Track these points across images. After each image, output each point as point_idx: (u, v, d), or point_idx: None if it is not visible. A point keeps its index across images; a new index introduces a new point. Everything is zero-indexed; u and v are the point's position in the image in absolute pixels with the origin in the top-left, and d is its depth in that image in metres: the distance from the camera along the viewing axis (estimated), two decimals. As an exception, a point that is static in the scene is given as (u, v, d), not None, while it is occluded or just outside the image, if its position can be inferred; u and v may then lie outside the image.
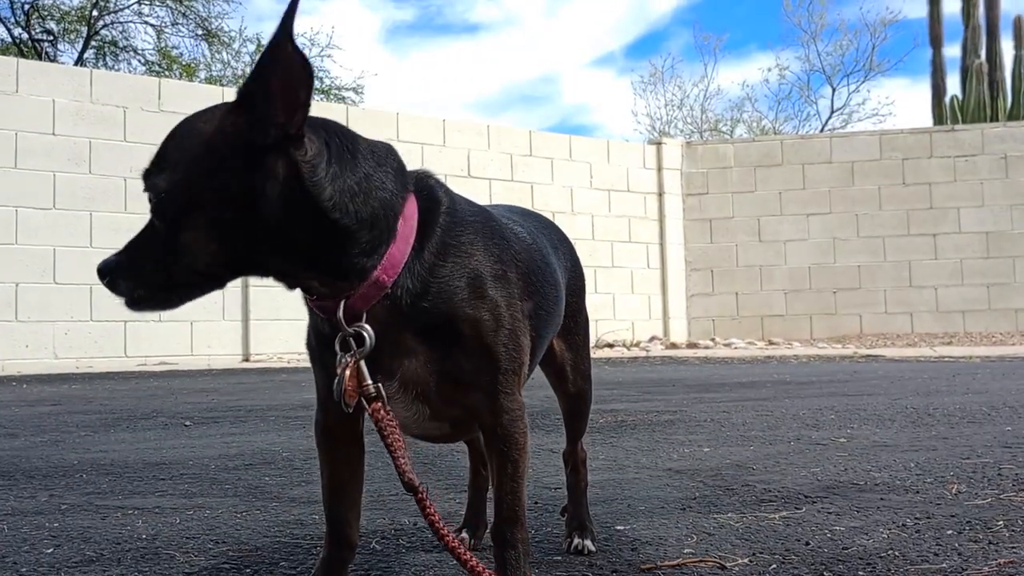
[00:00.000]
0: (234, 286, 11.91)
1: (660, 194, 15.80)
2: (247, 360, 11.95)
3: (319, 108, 13.10)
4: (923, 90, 45.78)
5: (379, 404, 1.36)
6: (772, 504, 2.39)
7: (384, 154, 1.42)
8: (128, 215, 11.31)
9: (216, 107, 1.34)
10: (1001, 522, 2.07)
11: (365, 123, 13.22)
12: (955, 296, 14.99)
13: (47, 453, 3.80)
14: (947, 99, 18.52)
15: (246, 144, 1.28)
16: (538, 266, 1.64)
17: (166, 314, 11.34)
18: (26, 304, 10.70)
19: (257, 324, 12.03)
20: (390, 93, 44.08)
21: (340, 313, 1.36)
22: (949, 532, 1.99)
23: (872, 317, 15.21)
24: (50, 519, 2.41)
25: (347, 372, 1.35)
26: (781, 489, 2.60)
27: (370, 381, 1.36)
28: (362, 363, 1.36)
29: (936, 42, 19.04)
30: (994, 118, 17.43)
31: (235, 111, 1.30)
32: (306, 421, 5.01)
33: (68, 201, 11.07)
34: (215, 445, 4.06)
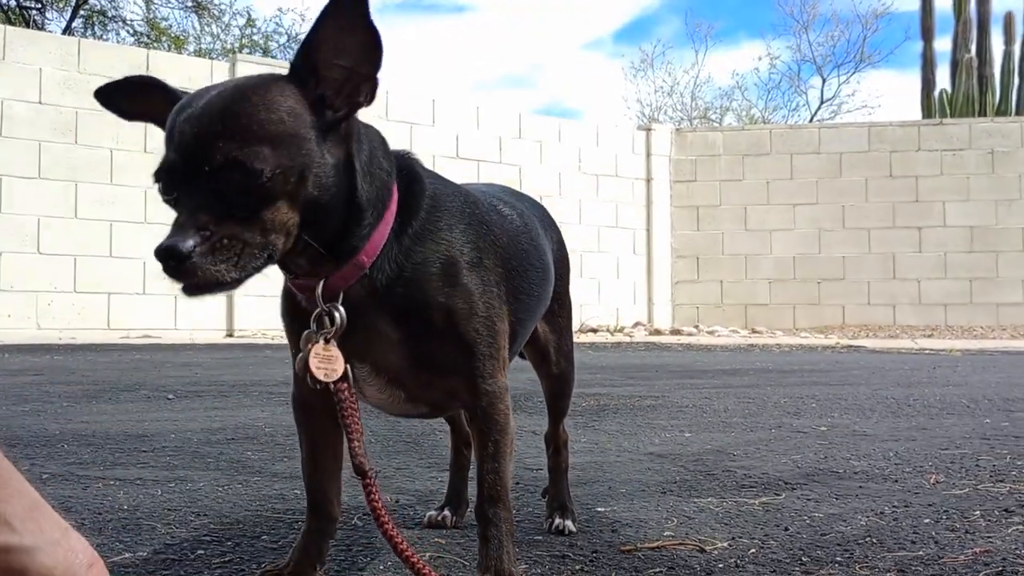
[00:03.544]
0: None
1: (648, 180, 15.80)
2: (231, 335, 11.93)
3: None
4: (912, 83, 45.88)
5: (345, 384, 1.36)
6: (752, 490, 2.41)
7: (374, 133, 1.42)
8: (114, 187, 11.25)
9: (275, 78, 1.30)
10: (978, 512, 2.09)
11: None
12: (937, 289, 15.08)
13: (28, 423, 3.79)
14: (936, 92, 18.55)
15: (316, 119, 1.28)
16: (523, 249, 1.64)
17: (150, 287, 11.36)
18: (9, 273, 10.63)
19: (241, 300, 11.99)
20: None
21: (319, 291, 1.35)
22: (926, 520, 2.01)
23: (855, 308, 15.29)
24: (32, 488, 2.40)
25: (312, 349, 1.35)
26: (761, 475, 2.62)
27: (341, 361, 1.36)
28: (332, 342, 1.36)
29: (927, 35, 19.06)
30: (982, 113, 17.49)
31: (300, 84, 1.29)
32: (289, 397, 5.00)
33: (54, 171, 10.99)
34: (198, 419, 4.06)
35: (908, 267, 15.14)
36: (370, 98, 1.31)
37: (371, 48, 1.28)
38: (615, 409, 4.40)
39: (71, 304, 11.05)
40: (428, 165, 1.53)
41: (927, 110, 18.41)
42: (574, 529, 1.94)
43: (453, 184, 1.54)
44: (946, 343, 11.91)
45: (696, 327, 14.69)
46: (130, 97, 1.43)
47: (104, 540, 1.83)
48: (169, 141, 1.27)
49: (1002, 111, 17.70)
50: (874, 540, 1.84)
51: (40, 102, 10.98)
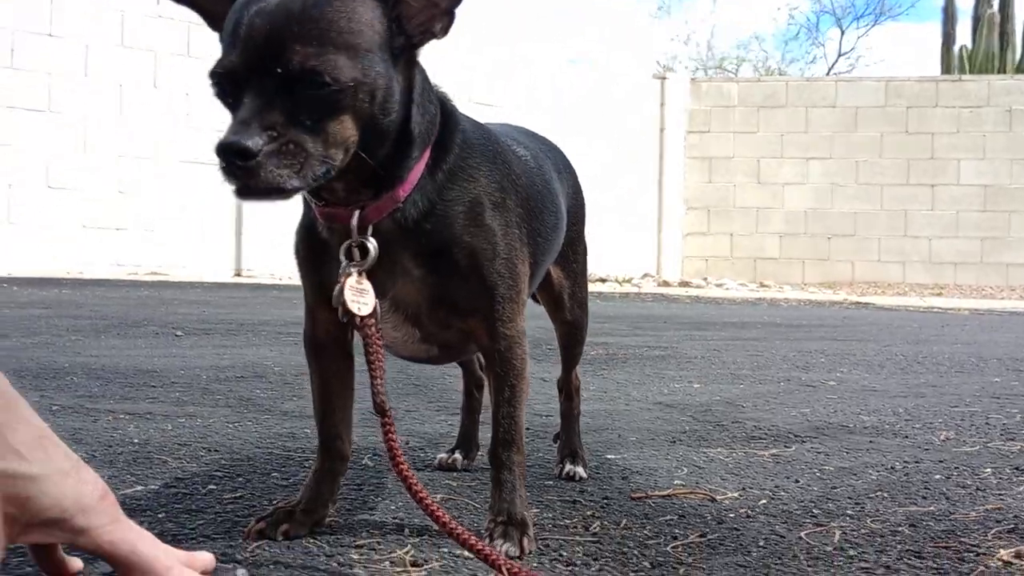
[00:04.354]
0: (227, 199, 11.85)
1: (661, 129, 15.67)
2: (238, 275, 11.93)
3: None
4: (932, 37, 45.23)
5: (372, 320, 1.34)
6: (762, 442, 2.40)
7: (422, 67, 1.39)
8: (123, 121, 11.18)
9: None
10: (988, 469, 2.08)
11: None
12: (948, 248, 15.00)
13: (38, 355, 3.80)
14: (956, 48, 18.29)
15: (391, 41, 1.27)
16: (539, 191, 1.61)
17: (159, 226, 11.35)
18: (19, 207, 10.61)
19: (249, 239, 11.98)
20: None
21: (354, 222, 1.33)
22: (937, 477, 2.01)
23: (864, 265, 15.23)
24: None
25: (347, 281, 1.33)
26: (771, 428, 2.61)
27: (372, 295, 1.34)
28: (364, 275, 1.33)
29: (949, -11, 18.76)
30: (1001, 70, 17.25)
31: (380, 2, 1.26)
32: (298, 337, 5.00)
33: (64, 107, 10.90)
34: (206, 356, 4.06)
35: (920, 225, 15.05)
36: (444, 32, 1.30)
37: None
38: (624, 359, 4.39)
39: (80, 239, 11.04)
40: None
41: (946, 65, 18.16)
42: (585, 475, 1.93)
43: (479, 123, 1.51)
44: (955, 302, 11.87)
45: (705, 279, 14.66)
46: None
47: (115, 472, 1.83)
48: (234, 36, 1.21)
49: (1022, 68, 17.45)
50: (885, 495, 1.84)
51: (51, 35, 10.87)
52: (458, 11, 1.30)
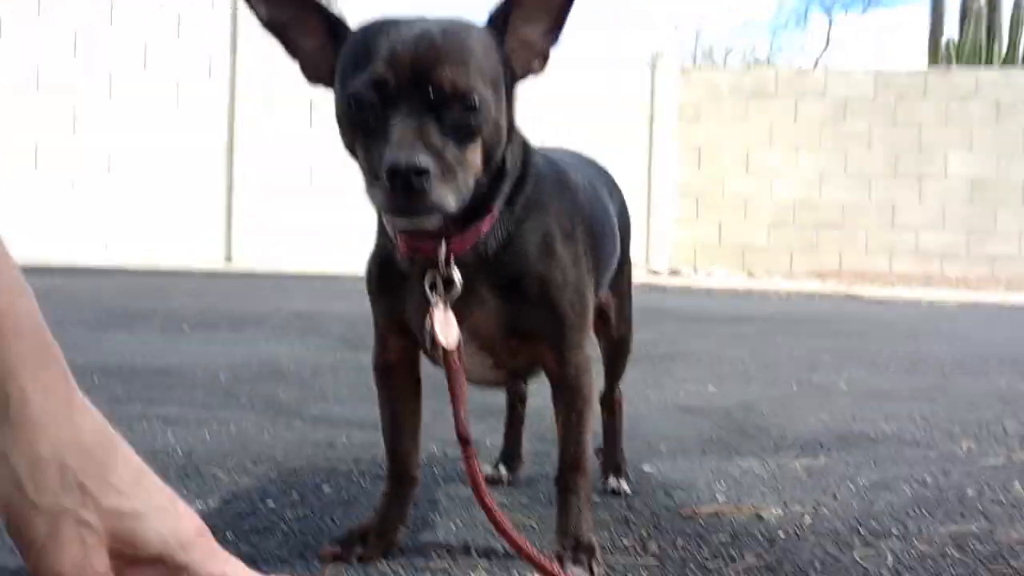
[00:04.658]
0: (217, 187, 11.83)
1: (651, 118, 15.67)
2: (229, 263, 11.90)
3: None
4: (920, 28, 45.39)
5: (456, 352, 1.37)
6: (791, 451, 2.45)
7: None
8: (112, 105, 11.10)
9: (482, 26, 1.32)
10: (1017, 483, 2.13)
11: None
12: (935, 240, 15.11)
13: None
14: (943, 40, 18.38)
15: (503, 75, 1.32)
16: (599, 219, 1.64)
17: (149, 213, 11.29)
18: (9, 191, 10.54)
19: (240, 228, 11.94)
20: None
21: (442, 255, 1.35)
22: (970, 492, 2.05)
23: (852, 255, 15.33)
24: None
25: (435, 313, 1.35)
26: (795, 435, 2.65)
27: (456, 326, 1.36)
28: (448, 308, 1.36)
29: (938, -19, 18.83)
30: (988, 62, 17.35)
31: (496, 39, 1.32)
32: (302, 330, 5.03)
33: (52, 91, 10.84)
34: (218, 353, 4.08)
35: (907, 216, 15.15)
36: (541, 70, 1.35)
37: (557, 27, 1.34)
38: (631, 357, 4.42)
39: (68, 226, 10.99)
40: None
41: (934, 57, 18.25)
42: (629, 491, 1.97)
43: (544, 153, 1.53)
44: (942, 294, 11.97)
45: (694, 268, 14.73)
46: (282, 3, 1.33)
47: (171, 487, 1.85)
48: (390, 61, 1.22)
49: (1009, 61, 17.56)
50: (924, 511, 1.88)
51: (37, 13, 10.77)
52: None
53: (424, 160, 1.17)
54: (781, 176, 15.47)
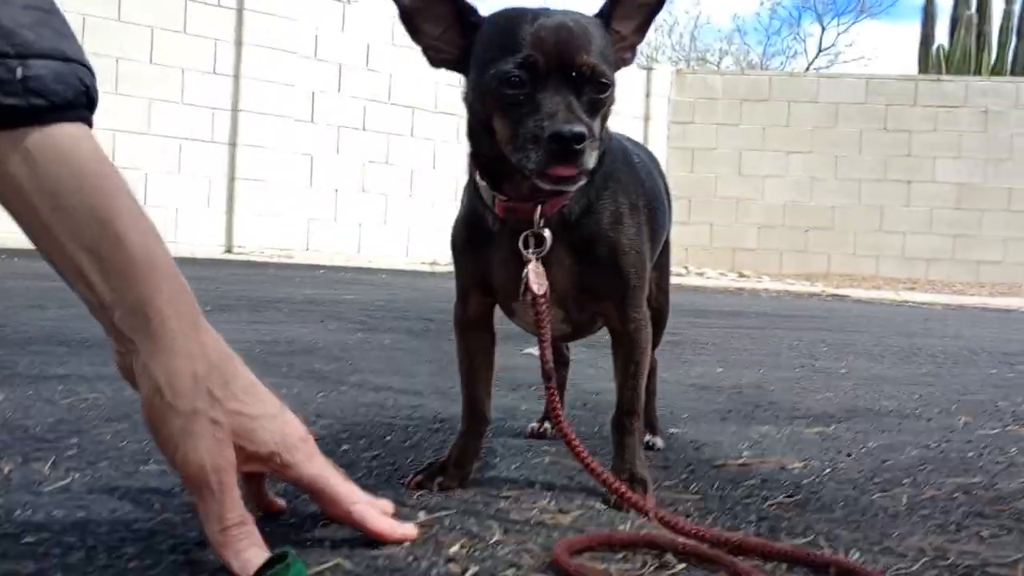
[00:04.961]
0: (220, 176, 11.97)
1: (646, 119, 15.93)
2: (230, 251, 12.04)
3: (313, 3, 12.95)
4: (910, 36, 45.78)
5: (544, 299, 1.56)
6: (803, 420, 2.64)
7: None
8: (118, 96, 11.22)
9: (595, 19, 1.53)
10: (1014, 449, 2.33)
11: (360, 24, 13.14)
12: (922, 244, 15.41)
13: (85, 326, 3.91)
14: (934, 48, 18.69)
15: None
16: (656, 195, 1.84)
17: (152, 199, 11.40)
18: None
19: (241, 216, 12.10)
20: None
21: (537, 215, 1.55)
22: (971, 454, 2.25)
23: (840, 258, 15.61)
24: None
25: (531, 266, 1.55)
26: (806, 409, 2.85)
27: (545, 277, 1.56)
28: (539, 262, 1.55)
29: (930, -10, 19.14)
30: (977, 71, 17.68)
31: (607, 29, 1.53)
32: (321, 315, 5.20)
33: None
34: (245, 331, 4.24)
35: (895, 220, 15.44)
36: (631, 61, 1.58)
37: (647, 24, 1.56)
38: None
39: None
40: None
41: (924, 64, 18.56)
42: (662, 445, 2.16)
43: (615, 136, 1.72)
44: (928, 297, 12.24)
45: (686, 268, 14.96)
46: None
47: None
48: (522, 45, 1.42)
49: (997, 70, 17.89)
50: (930, 468, 2.08)
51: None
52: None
53: (586, 129, 1.38)
54: (772, 179, 15.73)
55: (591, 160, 1.41)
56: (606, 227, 1.61)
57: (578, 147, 1.36)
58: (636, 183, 1.69)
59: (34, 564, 1.18)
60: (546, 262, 1.57)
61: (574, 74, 1.41)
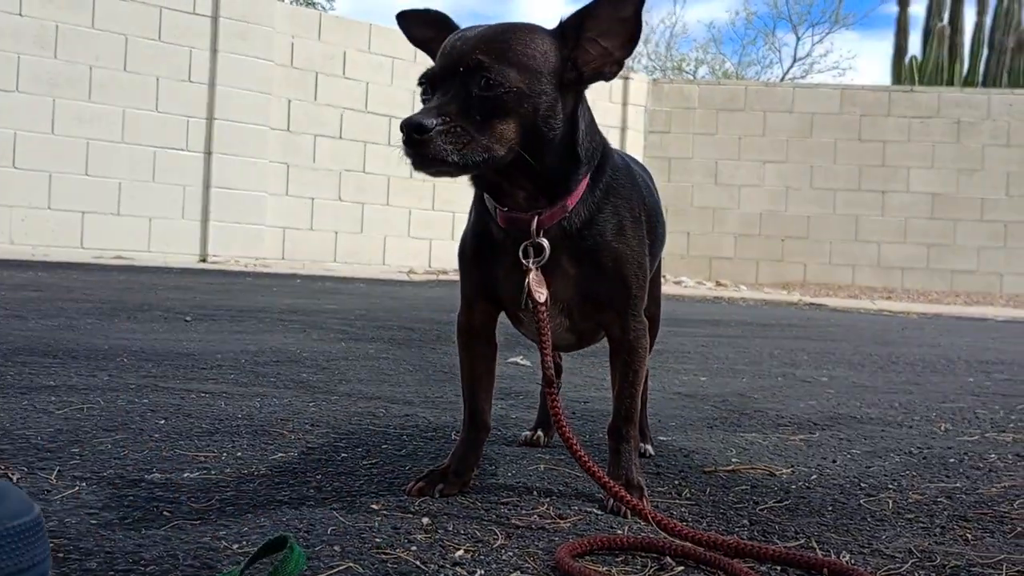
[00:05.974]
0: (194, 185, 11.94)
1: (623, 129, 16.01)
2: (204, 261, 11.99)
3: (289, 12, 12.97)
4: (883, 47, 46.27)
5: (544, 308, 1.60)
6: (788, 428, 2.69)
7: (589, 109, 1.65)
8: (92, 104, 11.18)
9: (542, 28, 1.57)
10: (993, 455, 2.39)
11: (337, 32, 13.15)
12: (897, 253, 15.57)
13: (70, 337, 3.95)
14: (907, 59, 18.90)
15: (561, 71, 1.55)
16: (655, 209, 1.90)
17: (124, 209, 11.36)
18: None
19: (216, 226, 12.05)
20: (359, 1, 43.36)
21: (534, 225, 1.59)
22: (951, 460, 2.30)
23: (816, 267, 15.75)
24: (134, 396, 2.60)
25: (531, 275, 1.59)
26: (790, 417, 2.90)
27: (545, 286, 1.60)
28: (539, 271, 1.59)
29: (903, 1, 19.37)
30: (950, 82, 17.89)
31: (560, 39, 1.56)
32: (303, 324, 5.21)
33: (32, 85, 10.89)
34: (229, 341, 4.24)
35: (870, 230, 15.59)
36: (613, 76, 1.59)
37: (631, 41, 1.56)
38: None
39: (45, 221, 11.04)
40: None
41: (897, 75, 18.76)
42: (652, 452, 2.20)
43: (617, 152, 1.77)
44: (904, 306, 12.38)
45: (664, 276, 15.01)
46: (424, 25, 1.68)
47: (247, 442, 2.05)
48: (440, 55, 1.53)
49: (969, 81, 18.12)
50: (914, 473, 2.13)
51: (20, 14, 10.84)
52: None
53: (429, 121, 1.44)
54: (748, 188, 15.85)
55: (452, 152, 1.45)
56: (610, 238, 1.66)
57: (418, 137, 1.43)
58: (638, 196, 1.74)
59: (55, 568, 1.20)
60: (549, 271, 1.62)
61: (462, 72, 1.48)
